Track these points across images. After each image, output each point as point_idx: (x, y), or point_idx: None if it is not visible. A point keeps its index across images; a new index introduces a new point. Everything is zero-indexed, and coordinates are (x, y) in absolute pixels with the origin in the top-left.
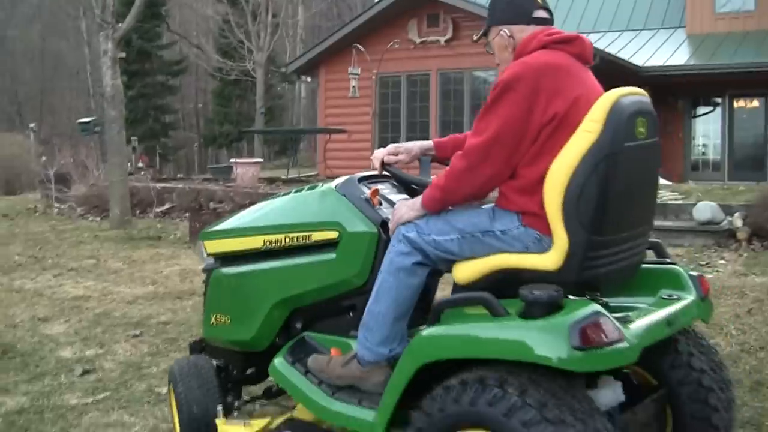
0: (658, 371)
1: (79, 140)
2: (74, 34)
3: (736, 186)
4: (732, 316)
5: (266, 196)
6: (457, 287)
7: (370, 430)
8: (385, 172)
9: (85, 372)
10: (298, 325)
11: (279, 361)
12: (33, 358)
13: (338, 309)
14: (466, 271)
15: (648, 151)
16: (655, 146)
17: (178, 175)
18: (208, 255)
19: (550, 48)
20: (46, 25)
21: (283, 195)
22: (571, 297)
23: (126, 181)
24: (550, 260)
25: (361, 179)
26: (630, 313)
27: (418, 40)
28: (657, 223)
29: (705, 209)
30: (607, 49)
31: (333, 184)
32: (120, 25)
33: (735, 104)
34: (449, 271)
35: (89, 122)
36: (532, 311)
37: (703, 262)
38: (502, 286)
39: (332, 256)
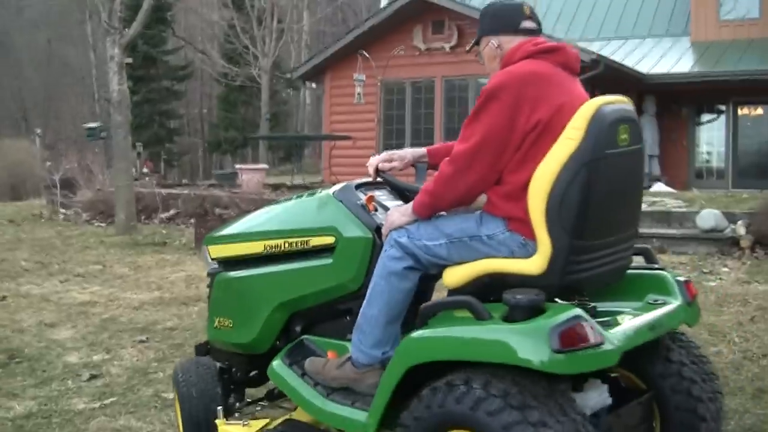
0: (648, 378)
1: (84, 145)
2: (80, 39)
3: (740, 194)
4: (735, 324)
5: (270, 203)
6: (450, 291)
7: (362, 431)
8: (379, 179)
9: (92, 377)
10: (298, 329)
11: (277, 364)
12: (40, 363)
13: (335, 313)
14: (455, 275)
15: (631, 158)
16: (639, 153)
17: (183, 181)
18: (212, 259)
19: (535, 57)
20: (52, 31)
21: (284, 201)
22: (558, 301)
23: (132, 186)
24: (534, 265)
25: (359, 186)
26: (614, 317)
27: (423, 47)
28: (661, 230)
29: (708, 217)
30: (611, 57)
31: (331, 190)
32: (127, 30)
33: (739, 112)
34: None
35: (95, 128)
36: (515, 315)
37: (707, 270)
38: (490, 290)
39: (329, 261)
